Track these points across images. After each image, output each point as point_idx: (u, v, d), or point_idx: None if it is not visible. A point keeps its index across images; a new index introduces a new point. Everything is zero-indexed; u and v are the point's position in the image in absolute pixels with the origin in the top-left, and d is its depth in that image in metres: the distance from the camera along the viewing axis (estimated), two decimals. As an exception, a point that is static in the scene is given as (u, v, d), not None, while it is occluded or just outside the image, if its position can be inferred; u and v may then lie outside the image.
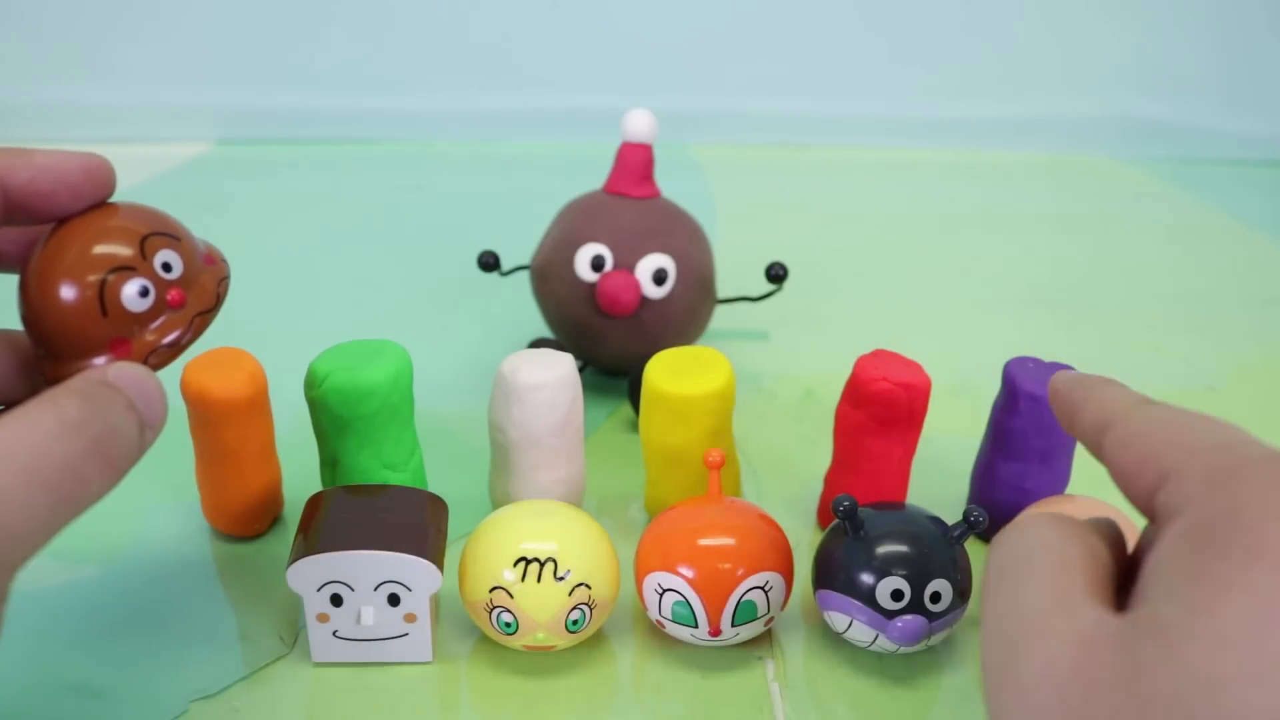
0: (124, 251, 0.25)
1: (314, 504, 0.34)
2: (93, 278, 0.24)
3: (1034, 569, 0.21)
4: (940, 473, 0.44)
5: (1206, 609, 0.17)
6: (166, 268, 0.25)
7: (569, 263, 0.46)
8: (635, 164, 0.47)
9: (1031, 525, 0.22)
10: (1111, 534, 0.23)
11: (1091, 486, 0.41)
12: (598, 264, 0.45)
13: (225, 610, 0.36)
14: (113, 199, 0.27)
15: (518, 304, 0.55)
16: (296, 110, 0.93)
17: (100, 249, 0.25)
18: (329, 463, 0.37)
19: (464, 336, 0.57)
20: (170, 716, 0.31)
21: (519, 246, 0.54)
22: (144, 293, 0.25)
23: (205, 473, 0.38)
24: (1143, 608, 0.19)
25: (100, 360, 0.25)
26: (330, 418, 0.36)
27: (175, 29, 0.91)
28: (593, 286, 0.45)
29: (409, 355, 0.37)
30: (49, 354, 0.25)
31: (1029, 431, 0.38)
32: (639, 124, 0.47)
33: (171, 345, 0.25)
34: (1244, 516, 0.18)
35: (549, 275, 0.47)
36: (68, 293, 0.24)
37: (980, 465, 0.41)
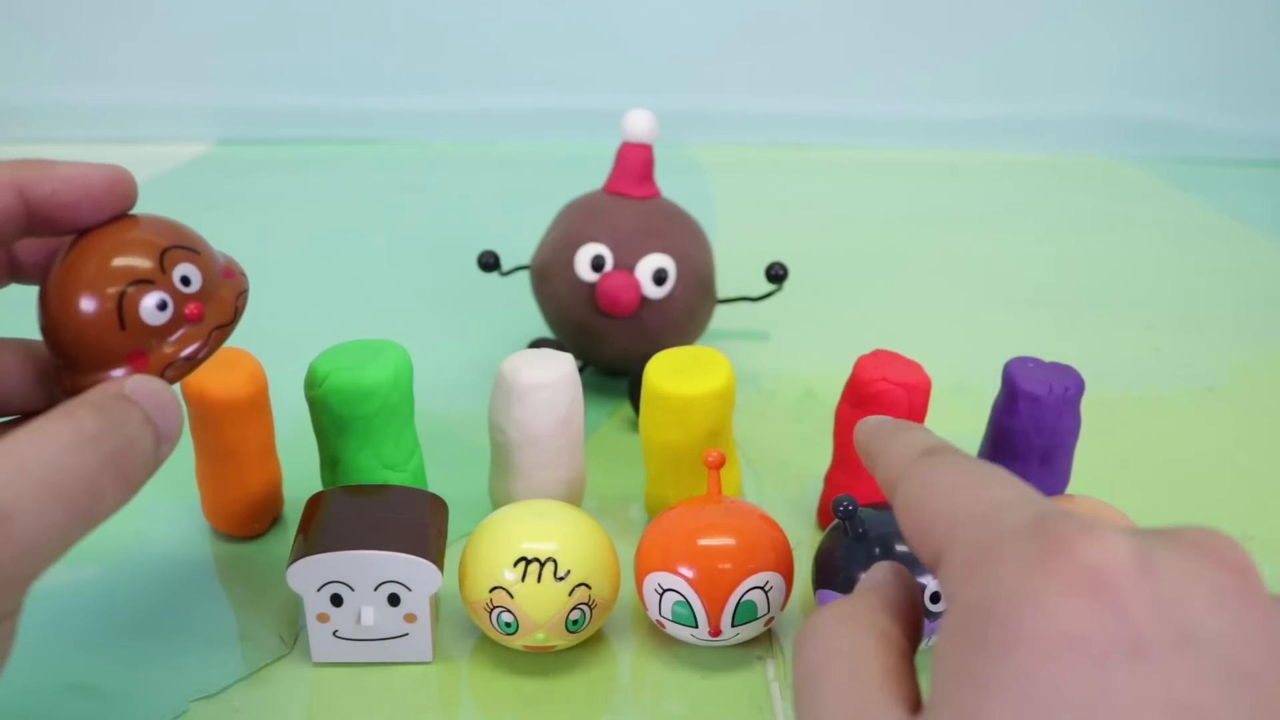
0: (143, 264, 0.25)
1: (314, 504, 0.34)
2: (112, 290, 0.24)
3: (828, 681, 0.20)
4: (940, 473, 0.44)
5: (971, 712, 0.17)
6: (185, 281, 0.25)
7: (569, 263, 0.46)
8: (635, 164, 0.47)
9: (819, 631, 0.21)
10: (902, 601, 0.22)
11: (1091, 486, 0.41)
12: (598, 264, 0.45)
13: (225, 610, 0.36)
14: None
15: (518, 304, 0.55)
16: (296, 110, 0.93)
17: (120, 261, 0.25)
18: (329, 463, 0.37)
19: (464, 336, 0.57)
20: (170, 716, 0.31)
21: (519, 246, 0.54)
22: (162, 306, 0.25)
23: (205, 472, 0.38)
24: (927, 712, 0.18)
25: (118, 372, 0.25)
26: (330, 418, 0.36)
27: (175, 29, 0.91)
28: (593, 286, 0.45)
29: (409, 355, 0.37)
30: (67, 365, 0.25)
31: (1029, 431, 0.38)
32: (639, 124, 0.47)
33: (189, 358, 0.25)
34: (996, 607, 0.17)
35: (549, 275, 0.47)
36: (87, 304, 0.24)
37: (980, 465, 0.41)
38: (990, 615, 0.17)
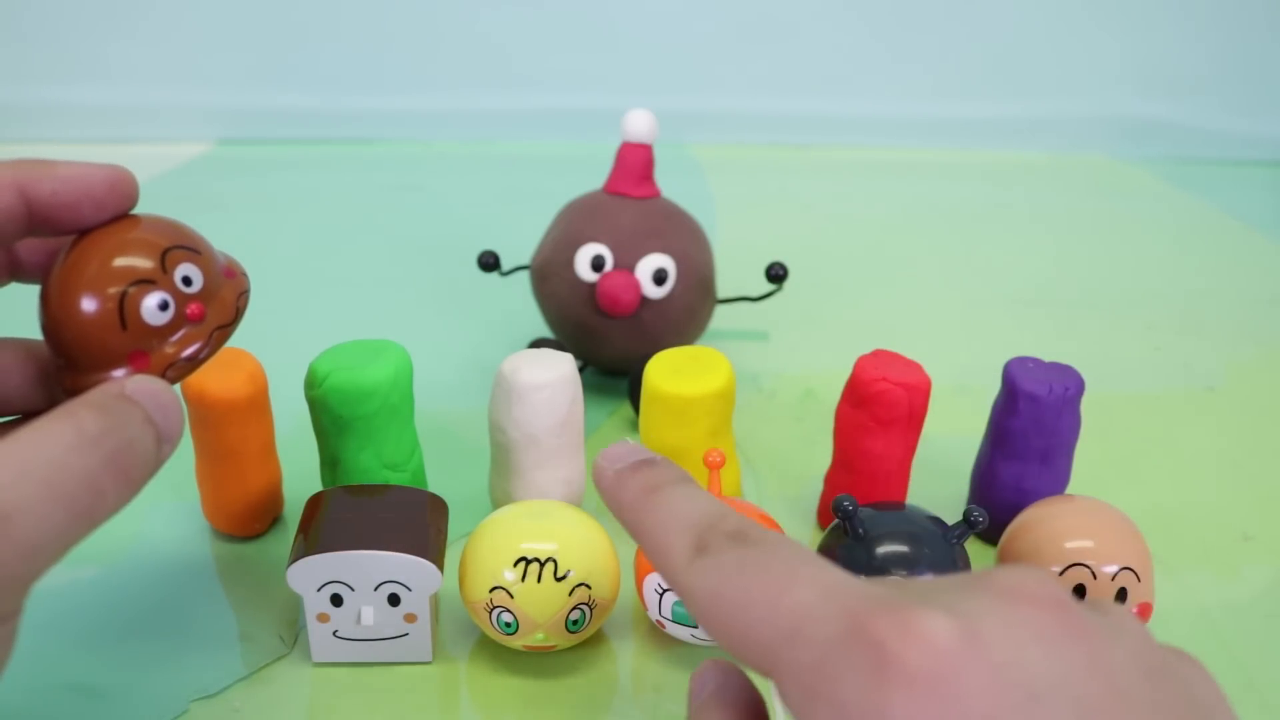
0: (145, 264, 0.25)
1: (314, 504, 0.34)
2: (113, 290, 0.24)
3: None
4: (940, 473, 0.44)
5: None
6: (187, 281, 0.25)
7: (569, 263, 0.46)
8: (635, 164, 0.47)
9: None
10: (741, 705, 0.22)
11: (1091, 486, 0.41)
12: (598, 264, 0.45)
13: (225, 610, 0.36)
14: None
15: (518, 304, 0.55)
16: (296, 110, 0.93)
17: (121, 261, 0.25)
18: (329, 463, 0.37)
19: (464, 336, 0.57)
20: (170, 716, 0.31)
21: (519, 246, 0.54)
22: (164, 306, 0.25)
23: (205, 472, 0.38)
24: None
25: (119, 373, 0.25)
26: (330, 418, 0.36)
27: (175, 29, 0.91)
28: (593, 286, 0.45)
29: (409, 355, 0.37)
30: (68, 365, 0.25)
31: (1029, 431, 0.38)
32: (639, 124, 0.47)
33: (190, 359, 0.25)
34: None
35: (549, 275, 0.47)
36: (88, 305, 0.24)
37: (980, 465, 0.41)
38: None
